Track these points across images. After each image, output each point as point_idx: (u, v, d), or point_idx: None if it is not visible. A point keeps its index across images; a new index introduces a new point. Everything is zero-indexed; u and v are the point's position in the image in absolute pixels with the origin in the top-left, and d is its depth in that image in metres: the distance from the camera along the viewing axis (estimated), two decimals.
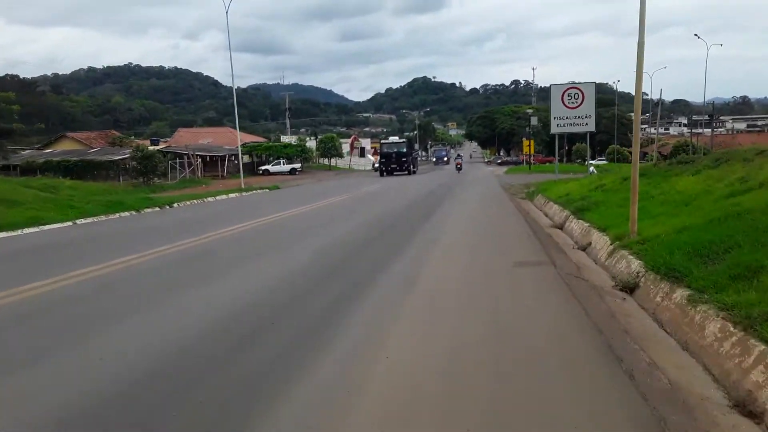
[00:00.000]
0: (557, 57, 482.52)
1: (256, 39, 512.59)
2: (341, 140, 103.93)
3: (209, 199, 22.38)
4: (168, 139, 70.30)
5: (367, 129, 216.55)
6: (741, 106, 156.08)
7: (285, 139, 67.02)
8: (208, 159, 49.70)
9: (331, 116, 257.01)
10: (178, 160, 44.44)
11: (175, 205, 19.57)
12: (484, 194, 21.11)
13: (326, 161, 68.97)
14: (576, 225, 10.59)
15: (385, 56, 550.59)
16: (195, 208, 19.38)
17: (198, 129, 65.78)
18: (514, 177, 33.11)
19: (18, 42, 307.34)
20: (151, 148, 40.41)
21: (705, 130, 74.23)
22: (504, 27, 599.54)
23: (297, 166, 56.90)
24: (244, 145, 57.95)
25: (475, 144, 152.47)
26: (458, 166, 68.46)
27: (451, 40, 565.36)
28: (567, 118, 24.40)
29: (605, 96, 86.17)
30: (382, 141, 60.14)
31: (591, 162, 69.20)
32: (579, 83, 24.57)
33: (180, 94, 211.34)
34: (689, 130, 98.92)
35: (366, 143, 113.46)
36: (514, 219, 13.28)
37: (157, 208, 18.37)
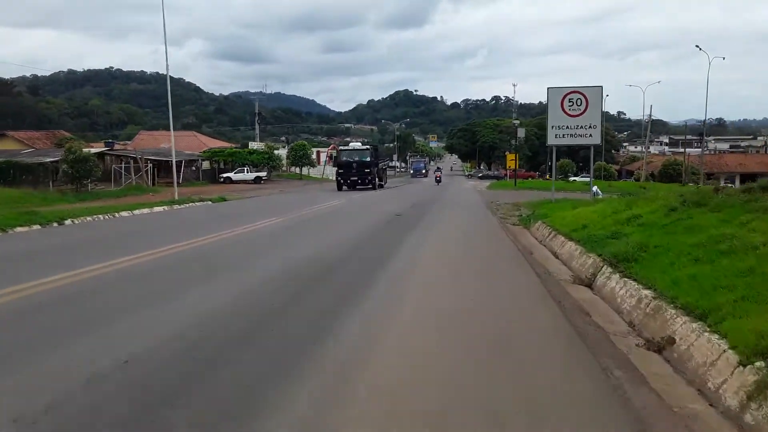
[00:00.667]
0: (538, 75, 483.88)
1: (239, 47, 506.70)
2: (320, 149, 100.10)
3: (123, 213, 17.74)
4: (128, 142, 65.15)
5: (347, 139, 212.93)
6: (717, 128, 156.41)
7: (254, 145, 62.57)
8: (164, 164, 44.95)
9: (311, 125, 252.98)
10: (123, 165, 39.63)
11: (68, 221, 14.96)
12: (467, 220, 16.65)
13: (297, 170, 64.84)
14: (623, 289, 6.44)
15: (367, 69, 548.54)
16: (87, 227, 14.75)
17: (161, 132, 60.11)
18: (499, 194, 27.94)
19: None
20: (93, 151, 35.49)
21: (688, 149, 71.60)
22: (485, 44, 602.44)
23: (262, 174, 52.38)
24: (205, 151, 53.23)
25: (455, 157, 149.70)
26: (437, 178, 64.93)
27: (433, 56, 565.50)
28: (567, 128, 20.52)
29: None
30: (341, 147, 48.88)
31: (580, 178, 65.67)
32: (582, 87, 20.64)
33: (160, 99, 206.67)
34: (669, 150, 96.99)
35: None
36: (515, 267, 8.89)
37: (37, 226, 13.77)
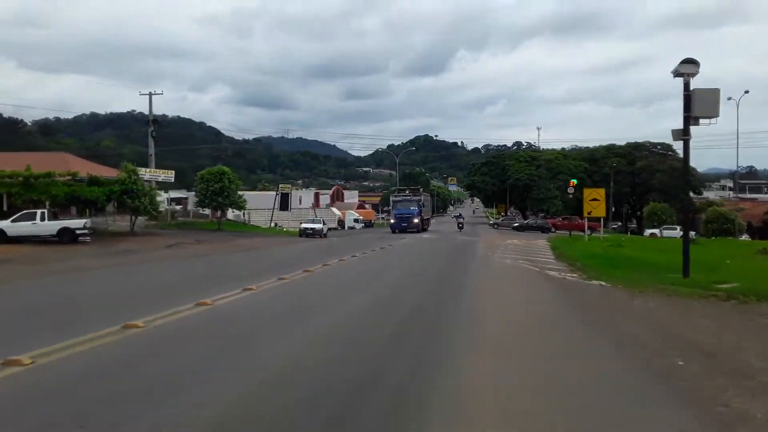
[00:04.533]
0: (556, 123, 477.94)
1: (262, 93, 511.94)
2: (320, 191, 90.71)
3: None
4: None
5: (365, 183, 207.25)
6: (749, 175, 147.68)
7: (143, 174, 36.28)
8: None
9: (329, 169, 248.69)
10: None
11: None
12: None
13: (212, 213, 42.89)
14: None
15: (388, 116, 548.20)
16: None
17: (23, 153, 38.83)
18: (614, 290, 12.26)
19: (27, 86, 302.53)
20: None
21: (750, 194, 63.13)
22: (505, 92, 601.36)
23: (79, 224, 26.62)
24: None
25: (477, 201, 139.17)
26: (460, 225, 55.37)
27: (452, 103, 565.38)
28: None
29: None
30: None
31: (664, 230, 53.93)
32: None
33: (178, 142, 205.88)
34: (734, 195, 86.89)
35: (353, 196, 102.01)
36: None
37: None
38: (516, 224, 60.18)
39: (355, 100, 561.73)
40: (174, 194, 55.04)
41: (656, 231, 54.34)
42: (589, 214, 30.97)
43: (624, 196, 72.44)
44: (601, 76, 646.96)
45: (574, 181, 47.05)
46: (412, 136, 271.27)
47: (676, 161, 71.56)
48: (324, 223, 42.31)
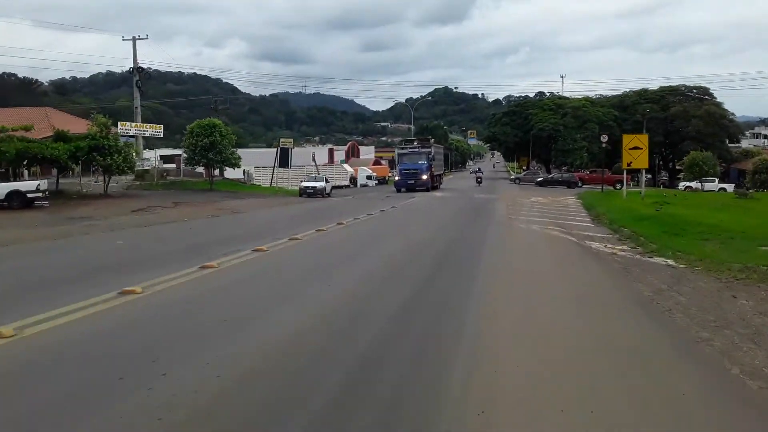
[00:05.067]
0: (581, 71, 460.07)
1: (278, 48, 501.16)
2: (335, 147, 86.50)
3: None
4: None
5: (383, 138, 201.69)
6: None
7: (128, 128, 35.44)
8: None
9: (347, 124, 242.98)
10: None
11: None
12: None
13: (206, 172, 37.54)
14: None
15: (407, 68, 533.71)
16: None
17: (3, 109, 38.41)
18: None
19: (45, 45, 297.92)
20: None
21: None
22: (528, 40, 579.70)
23: (29, 185, 23.06)
24: None
25: (498, 155, 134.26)
26: (479, 180, 52.53)
27: (473, 53, 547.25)
28: None
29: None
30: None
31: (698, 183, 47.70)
32: None
33: (194, 99, 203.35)
34: None
35: (369, 152, 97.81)
36: None
37: None
38: (540, 179, 54.74)
39: (374, 52, 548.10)
40: (168, 151, 51.31)
41: (691, 184, 49.70)
42: (629, 165, 26.00)
43: (656, 146, 66.65)
44: (627, 20, 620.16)
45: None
46: (432, 89, 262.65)
47: (713, 106, 66.01)
48: (327, 181, 38.26)
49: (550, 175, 57.42)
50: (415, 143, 46.33)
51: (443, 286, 7.98)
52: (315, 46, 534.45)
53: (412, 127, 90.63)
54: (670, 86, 69.94)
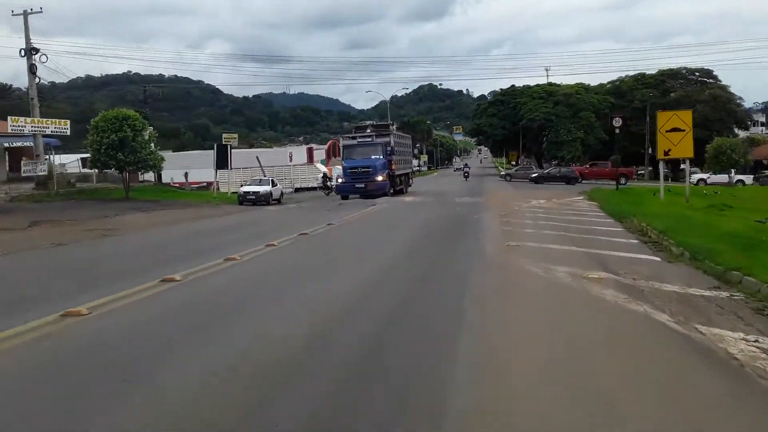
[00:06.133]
0: (566, 64, 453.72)
1: (261, 48, 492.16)
2: (314, 145, 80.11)
3: None
4: None
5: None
6: None
7: (15, 125, 28.16)
8: None
9: (332, 124, 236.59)
10: None
11: None
12: None
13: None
14: None
15: (391, 66, 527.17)
16: None
17: None
18: None
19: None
20: None
21: None
22: (510, 35, 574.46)
23: None
24: None
25: (485, 151, 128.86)
26: (466, 174, 50.22)
27: (456, 49, 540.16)
28: None
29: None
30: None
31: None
32: None
33: (174, 101, 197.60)
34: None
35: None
36: None
37: None
38: (534, 174, 46.96)
39: (357, 50, 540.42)
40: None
41: (704, 176, 43.54)
42: (666, 153, 18.30)
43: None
44: (609, 12, 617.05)
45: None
46: (416, 86, 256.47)
47: (718, 89, 60.18)
48: (274, 185, 30.97)
49: (547, 171, 49.92)
50: (368, 130, 33.36)
51: None
52: (298, 44, 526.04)
53: (388, 119, 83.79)
54: (670, 69, 63.91)
